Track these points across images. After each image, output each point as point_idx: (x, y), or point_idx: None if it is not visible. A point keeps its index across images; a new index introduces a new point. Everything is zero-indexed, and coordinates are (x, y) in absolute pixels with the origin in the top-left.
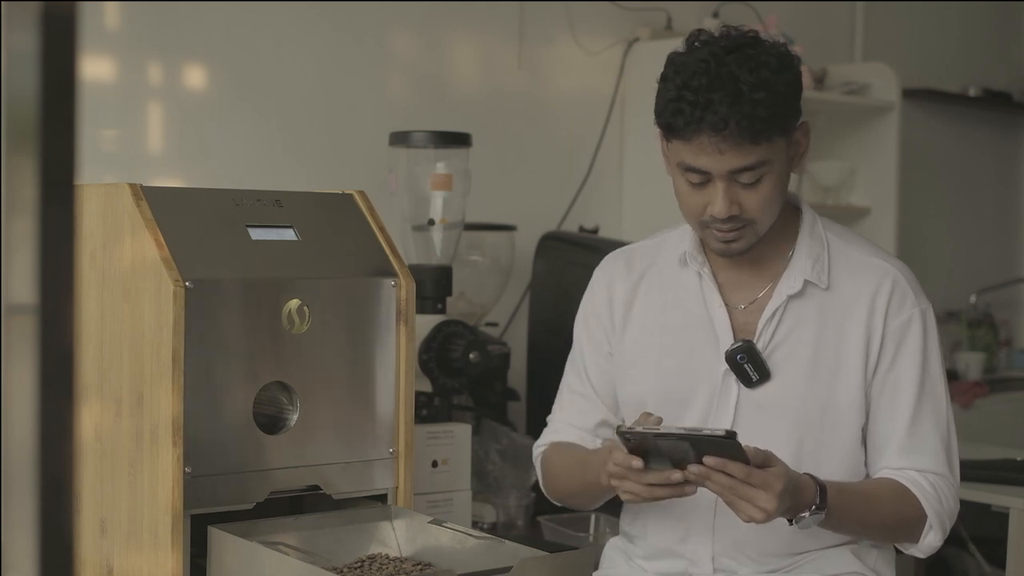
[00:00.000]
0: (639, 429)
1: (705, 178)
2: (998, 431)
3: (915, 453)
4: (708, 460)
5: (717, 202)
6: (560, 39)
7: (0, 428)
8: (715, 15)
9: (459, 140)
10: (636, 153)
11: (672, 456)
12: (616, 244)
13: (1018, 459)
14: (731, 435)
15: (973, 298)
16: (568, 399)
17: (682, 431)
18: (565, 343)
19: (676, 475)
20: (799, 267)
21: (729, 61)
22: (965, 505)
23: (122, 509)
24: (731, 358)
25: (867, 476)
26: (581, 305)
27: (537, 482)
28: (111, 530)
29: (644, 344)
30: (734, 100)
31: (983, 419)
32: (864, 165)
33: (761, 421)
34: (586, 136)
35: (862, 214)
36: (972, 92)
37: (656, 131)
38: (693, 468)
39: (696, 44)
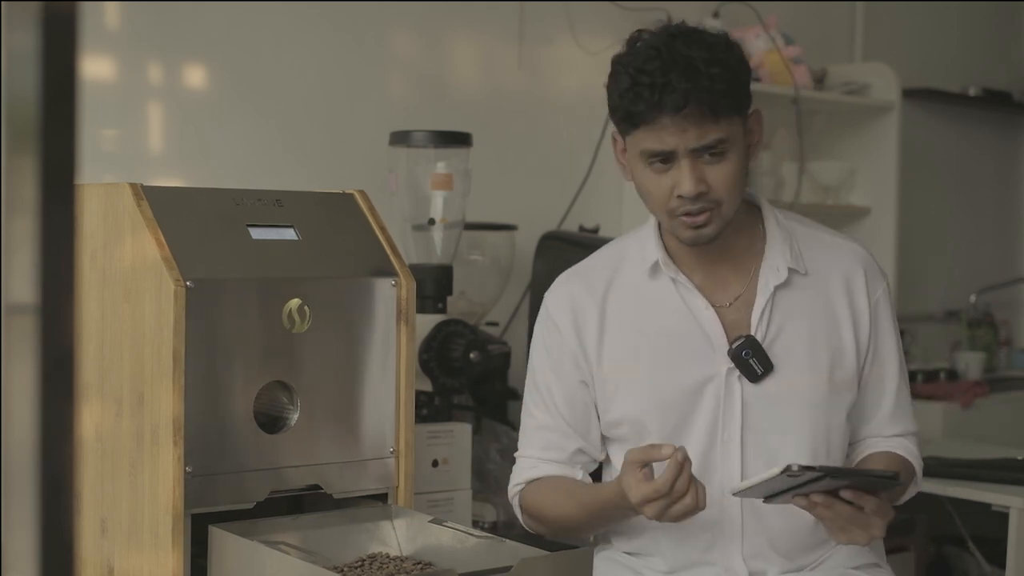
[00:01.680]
0: (816, 467)
1: (670, 161)
2: (998, 431)
3: (900, 421)
4: (845, 494)
5: (685, 180)
6: (560, 39)
7: (0, 428)
8: (715, 15)
9: (459, 140)
10: None
11: (808, 488)
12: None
13: (1018, 459)
14: (896, 475)
15: (973, 298)
16: (537, 435)
17: (852, 471)
18: None
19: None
20: (779, 257)
21: (678, 43)
22: (965, 505)
23: (122, 509)
24: (736, 355)
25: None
26: (538, 335)
27: None
28: (111, 530)
29: (627, 363)
30: (691, 76)
31: (983, 419)
32: (864, 165)
33: (771, 414)
34: (586, 136)
35: (862, 214)
36: (972, 92)
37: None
38: (816, 498)
39: (638, 38)
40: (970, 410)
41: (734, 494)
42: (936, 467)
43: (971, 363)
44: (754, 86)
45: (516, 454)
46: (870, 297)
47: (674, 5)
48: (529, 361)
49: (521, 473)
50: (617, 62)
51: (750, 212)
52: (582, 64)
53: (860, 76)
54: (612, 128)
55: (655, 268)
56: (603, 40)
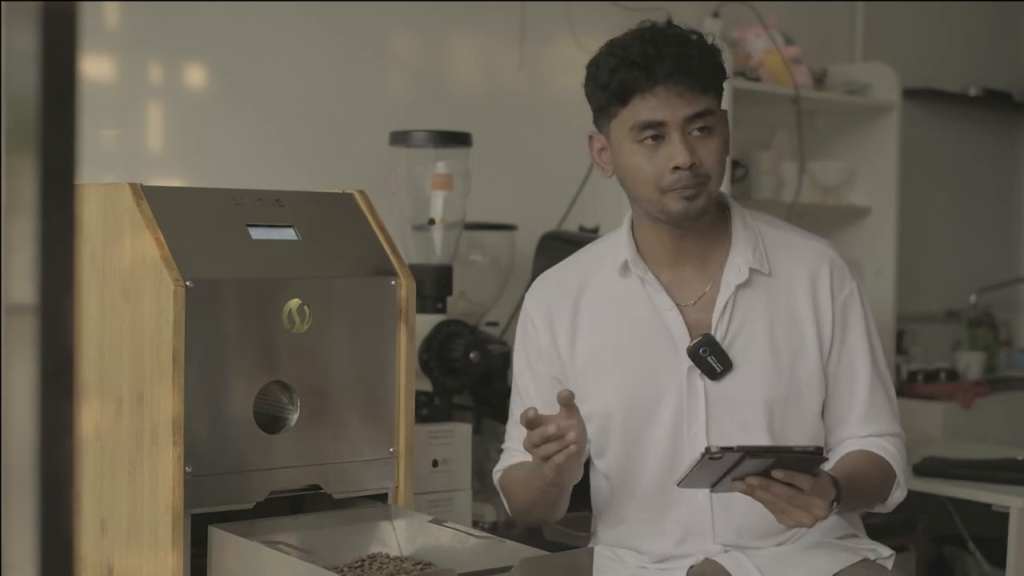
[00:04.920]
0: (735, 448)
1: (660, 135)
2: (998, 431)
3: (875, 421)
4: (777, 474)
5: (678, 152)
6: (560, 39)
7: (0, 428)
8: (715, 15)
9: (459, 140)
10: None
11: (738, 470)
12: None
13: (1018, 459)
14: (819, 450)
15: (973, 298)
16: (514, 429)
17: (773, 448)
18: None
19: (551, 428)
20: (741, 257)
21: (658, 27)
22: (965, 505)
23: (122, 509)
24: (694, 353)
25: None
26: (517, 336)
27: None
28: (111, 530)
29: (598, 360)
30: (681, 45)
31: (983, 419)
32: (864, 165)
33: (731, 412)
34: (586, 136)
35: (862, 214)
36: (972, 92)
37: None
38: (752, 480)
39: (615, 39)
40: (970, 410)
41: (678, 485)
42: (936, 467)
43: (971, 363)
44: (754, 86)
45: (502, 446)
46: (835, 297)
47: (674, 5)
48: (513, 359)
49: (501, 462)
50: (595, 60)
51: (720, 213)
52: (582, 64)
53: (860, 76)
54: (590, 128)
55: (625, 267)
56: (603, 40)
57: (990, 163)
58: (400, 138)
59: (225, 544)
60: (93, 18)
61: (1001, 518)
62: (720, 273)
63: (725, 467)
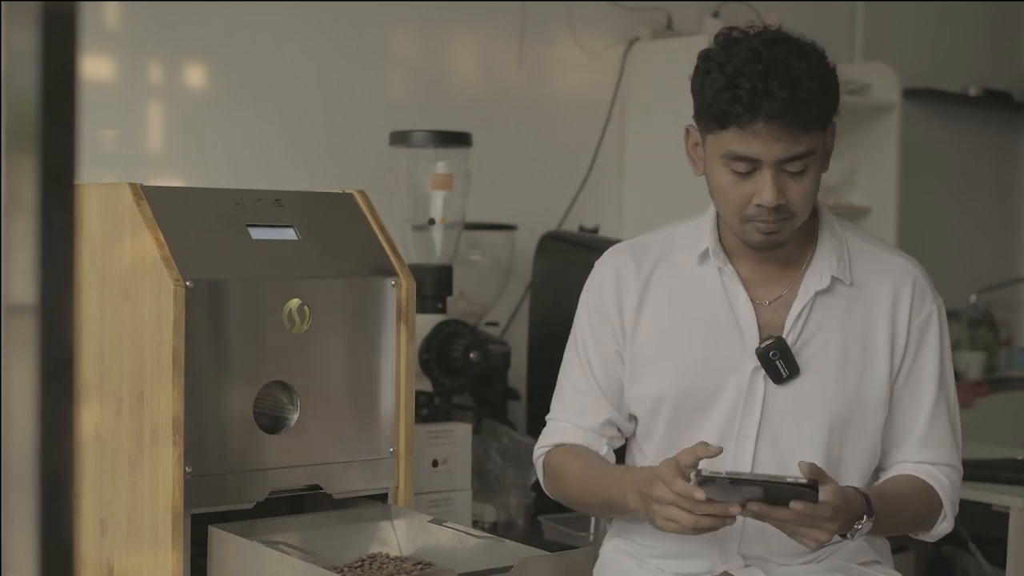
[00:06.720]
0: (723, 474)
1: (752, 167)
2: (998, 431)
3: (932, 447)
4: (795, 505)
5: (766, 190)
6: (560, 39)
7: (0, 428)
8: (715, 15)
9: (459, 140)
10: (636, 153)
11: (736, 494)
12: (616, 243)
13: (1018, 459)
14: (813, 484)
15: (973, 298)
16: (571, 397)
17: (764, 478)
18: (566, 343)
19: (734, 508)
20: (825, 264)
21: (778, 50)
22: (965, 505)
23: (122, 509)
24: (763, 355)
25: (878, 468)
26: (583, 300)
27: (537, 482)
28: (111, 530)
29: (661, 342)
30: (792, 86)
31: (983, 419)
32: (864, 165)
33: (789, 418)
34: (586, 136)
35: (862, 214)
36: (972, 92)
37: (660, 131)
38: (754, 506)
39: (733, 37)
40: (970, 410)
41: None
42: None
43: (971, 363)
44: None
45: (548, 416)
46: (913, 316)
47: (674, 5)
48: (573, 326)
49: (550, 436)
50: (710, 59)
51: (809, 217)
52: (582, 64)
53: (860, 76)
54: (688, 121)
55: (704, 256)
56: (603, 40)
57: (990, 163)
58: (400, 138)
59: (225, 544)
60: (93, 18)
61: (1001, 518)
62: (801, 277)
63: (725, 489)
